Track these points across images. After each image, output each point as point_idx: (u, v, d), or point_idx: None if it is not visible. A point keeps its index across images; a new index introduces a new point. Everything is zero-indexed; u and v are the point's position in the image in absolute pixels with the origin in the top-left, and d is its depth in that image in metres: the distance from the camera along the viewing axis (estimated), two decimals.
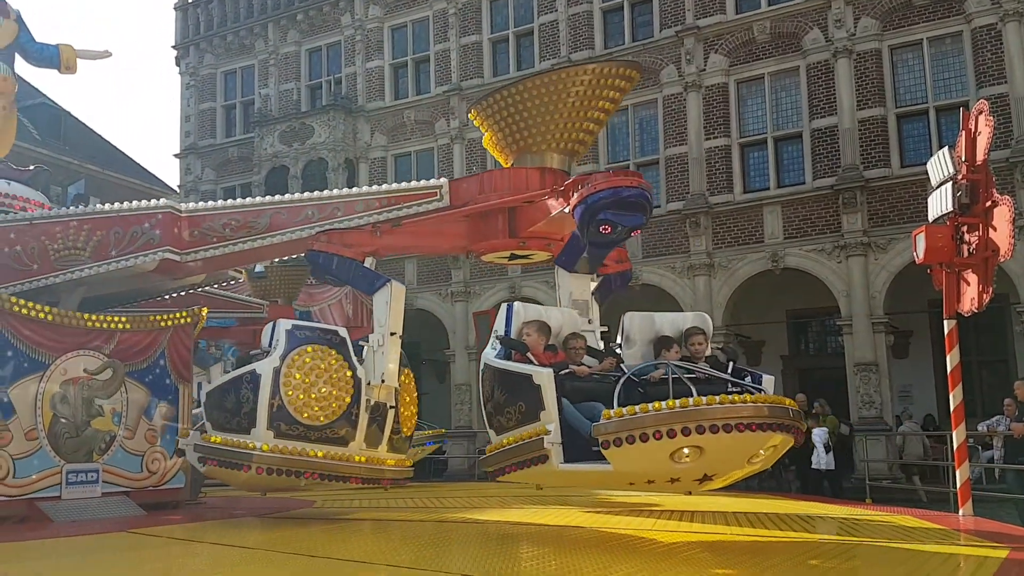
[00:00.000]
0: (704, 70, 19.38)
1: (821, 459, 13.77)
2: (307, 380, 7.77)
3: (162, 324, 10.32)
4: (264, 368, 7.77)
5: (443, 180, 8.60)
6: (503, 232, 8.38)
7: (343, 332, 8.26)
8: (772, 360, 20.15)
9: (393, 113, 23.67)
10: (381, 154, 23.64)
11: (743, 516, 7.48)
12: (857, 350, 17.26)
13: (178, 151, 27.12)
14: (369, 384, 7.99)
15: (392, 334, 8.00)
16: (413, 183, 8.85)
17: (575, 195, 6.80)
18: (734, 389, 5.77)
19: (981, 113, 6.96)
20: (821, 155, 18.12)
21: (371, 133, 23.81)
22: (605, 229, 6.67)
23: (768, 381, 6.05)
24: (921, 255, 7.22)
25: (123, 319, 10.01)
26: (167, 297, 11.63)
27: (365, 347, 8.18)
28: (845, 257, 17.45)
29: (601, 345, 7.45)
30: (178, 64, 27.52)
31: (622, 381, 5.77)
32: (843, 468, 15.22)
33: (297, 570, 5.40)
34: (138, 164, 33.48)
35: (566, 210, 7.06)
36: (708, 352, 6.39)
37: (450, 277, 22.00)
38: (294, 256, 9.45)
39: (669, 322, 6.69)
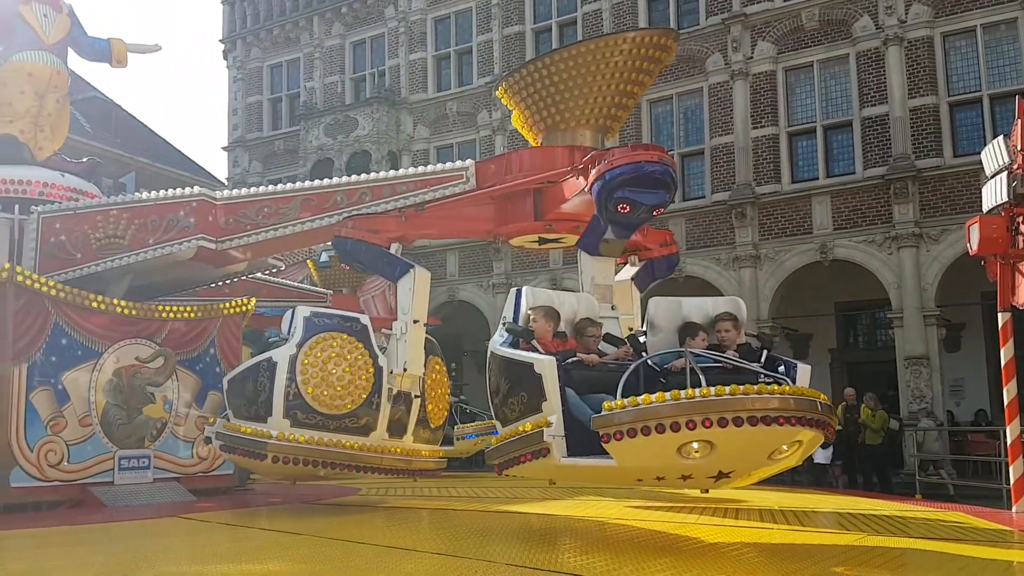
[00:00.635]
0: (751, 58, 19.13)
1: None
2: (324, 368, 7.53)
3: (212, 314, 10.51)
4: (280, 355, 7.57)
5: (469, 161, 8.39)
6: (529, 215, 8.04)
7: (364, 320, 8.04)
8: (820, 354, 19.85)
9: (436, 105, 23.76)
10: (424, 146, 23.75)
11: (789, 513, 7.30)
12: (908, 343, 16.95)
13: (226, 144, 27.60)
14: (392, 372, 7.79)
15: (415, 322, 7.78)
16: (439, 165, 8.64)
17: (593, 171, 6.39)
18: (765, 380, 5.13)
19: None
20: (872, 144, 17.80)
21: (414, 125, 23.94)
22: (623, 208, 6.20)
23: (803, 370, 5.48)
24: (975, 246, 7.11)
25: (174, 308, 10.21)
26: (225, 286, 11.65)
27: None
28: (896, 248, 17.13)
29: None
30: (225, 58, 27.96)
31: (630, 370, 5.29)
32: (892, 464, 14.97)
33: (343, 555, 5.48)
34: (187, 157, 34.03)
35: (585, 188, 6.69)
36: (741, 340, 5.82)
37: (491, 268, 22.08)
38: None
39: (697, 307, 6.05)
